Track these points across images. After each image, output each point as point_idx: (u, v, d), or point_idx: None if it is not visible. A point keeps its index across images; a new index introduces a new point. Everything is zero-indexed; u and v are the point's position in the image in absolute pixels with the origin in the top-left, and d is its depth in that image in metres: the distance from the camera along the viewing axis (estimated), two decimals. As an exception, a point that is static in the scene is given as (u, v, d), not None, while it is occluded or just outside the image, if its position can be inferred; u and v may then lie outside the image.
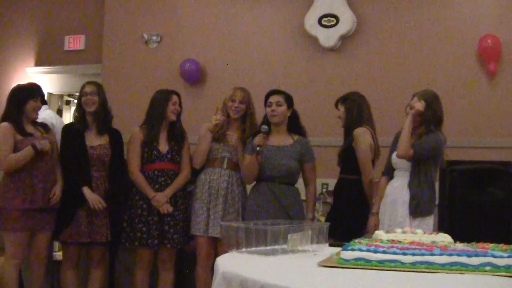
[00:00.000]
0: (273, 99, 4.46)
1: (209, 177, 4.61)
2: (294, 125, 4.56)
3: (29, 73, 7.27)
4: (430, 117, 4.07)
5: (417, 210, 4.00)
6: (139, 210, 4.54)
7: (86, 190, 4.43)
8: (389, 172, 4.29)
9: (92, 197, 4.43)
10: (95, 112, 4.59)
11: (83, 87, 4.62)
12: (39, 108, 4.57)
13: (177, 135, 4.67)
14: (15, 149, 4.37)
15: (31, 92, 4.54)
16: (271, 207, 4.37)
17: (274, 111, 4.44)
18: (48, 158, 4.48)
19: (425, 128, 4.07)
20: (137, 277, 4.66)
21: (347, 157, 4.42)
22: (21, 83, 4.90)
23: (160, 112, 4.61)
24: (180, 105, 4.70)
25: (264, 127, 4.38)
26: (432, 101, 4.09)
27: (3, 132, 4.37)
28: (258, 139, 4.34)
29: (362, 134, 4.36)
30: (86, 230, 4.44)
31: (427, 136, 4.05)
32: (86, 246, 4.58)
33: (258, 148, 4.32)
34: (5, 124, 4.41)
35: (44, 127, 4.64)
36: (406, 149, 4.02)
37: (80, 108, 4.62)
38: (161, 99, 4.63)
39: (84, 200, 4.43)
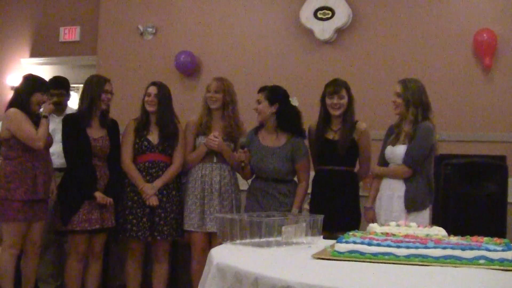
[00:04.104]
0: (256, 97, 4.47)
1: (201, 172, 4.60)
2: (287, 123, 4.48)
3: (24, 64, 7.24)
4: (419, 105, 4.07)
5: (412, 204, 3.99)
6: (130, 202, 4.54)
7: (98, 196, 4.42)
8: (383, 166, 4.28)
9: (105, 201, 4.43)
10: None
11: (105, 83, 4.56)
12: (43, 103, 4.54)
13: (168, 127, 4.60)
14: None
15: (41, 85, 4.54)
16: (268, 202, 4.36)
17: (256, 110, 4.45)
18: (47, 150, 4.56)
19: (414, 120, 4.06)
20: (128, 268, 4.67)
21: (351, 149, 4.36)
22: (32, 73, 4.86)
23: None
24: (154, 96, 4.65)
25: (242, 140, 4.39)
26: (419, 89, 4.11)
27: (19, 114, 4.39)
28: (239, 156, 4.37)
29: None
30: (98, 217, 4.43)
31: (416, 138, 4.01)
32: (89, 237, 4.54)
33: (242, 165, 4.37)
34: (14, 109, 4.42)
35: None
36: (403, 172, 4.04)
37: (93, 104, 4.53)
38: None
39: (92, 197, 4.41)
